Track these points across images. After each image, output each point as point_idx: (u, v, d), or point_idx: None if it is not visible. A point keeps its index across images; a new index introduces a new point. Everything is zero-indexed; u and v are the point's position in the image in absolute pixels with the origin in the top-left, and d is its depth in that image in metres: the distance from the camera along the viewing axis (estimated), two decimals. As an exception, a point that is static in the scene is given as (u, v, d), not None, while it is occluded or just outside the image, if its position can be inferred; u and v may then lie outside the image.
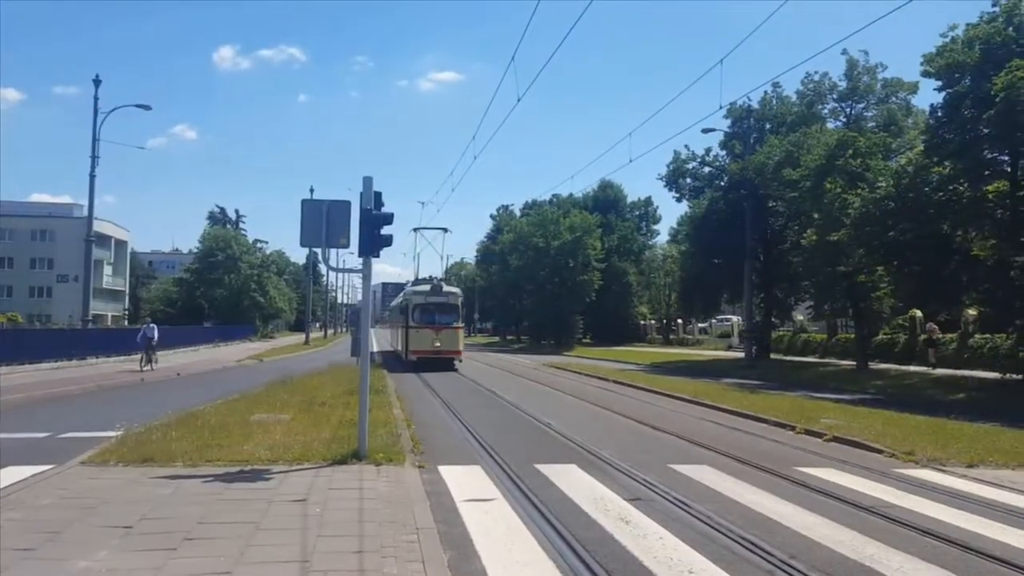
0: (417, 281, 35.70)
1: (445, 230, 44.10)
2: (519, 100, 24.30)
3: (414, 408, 16.11)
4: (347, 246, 9.95)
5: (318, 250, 10.34)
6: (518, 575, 5.56)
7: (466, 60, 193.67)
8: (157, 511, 6.70)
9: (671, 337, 63.84)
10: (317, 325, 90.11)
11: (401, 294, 38.56)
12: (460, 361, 30.60)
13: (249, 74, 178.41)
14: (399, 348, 35.52)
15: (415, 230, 39.36)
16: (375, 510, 6.92)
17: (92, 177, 31.50)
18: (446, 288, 31.52)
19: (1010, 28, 23.16)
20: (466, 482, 8.68)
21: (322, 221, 9.70)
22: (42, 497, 7.20)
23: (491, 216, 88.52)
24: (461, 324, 30.87)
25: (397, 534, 6.16)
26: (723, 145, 43.40)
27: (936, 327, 31.26)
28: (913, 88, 36.85)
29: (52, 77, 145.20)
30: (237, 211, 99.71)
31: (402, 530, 6.28)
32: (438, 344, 29.38)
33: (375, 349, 38.69)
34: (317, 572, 5.20)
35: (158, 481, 7.89)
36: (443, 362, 29.26)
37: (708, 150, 44.73)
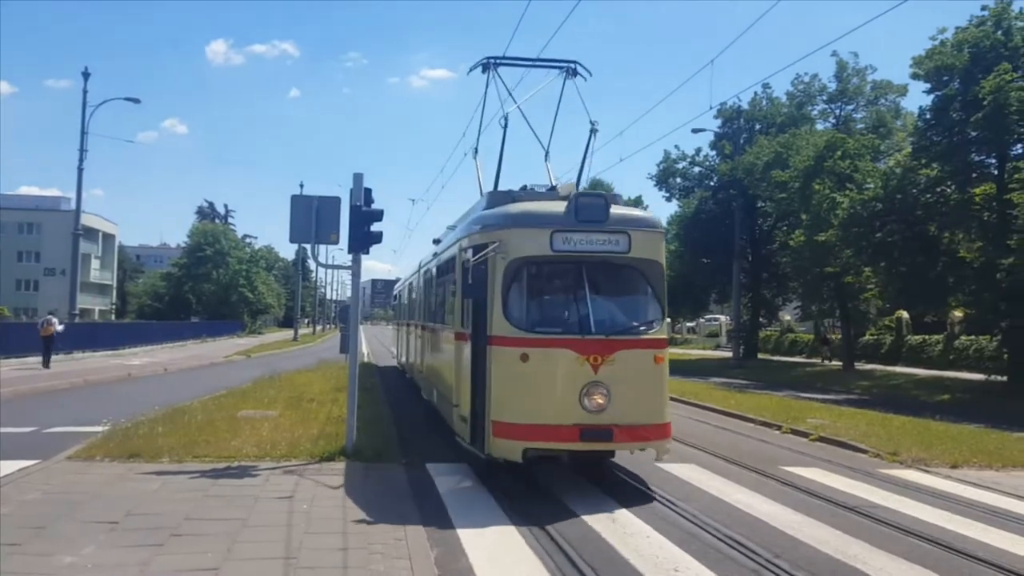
0: (497, 195, 9.65)
1: (574, 69, 11.08)
2: (510, 94, 16.14)
3: (402, 406, 16.06)
4: (337, 242, 9.96)
5: (308, 246, 10.31)
6: (505, 572, 5.59)
7: (457, 58, 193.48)
8: (143, 507, 6.68)
9: (660, 336, 63.98)
10: (306, 321, 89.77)
11: (454, 232, 11.26)
12: (665, 452, 8.41)
13: (241, 69, 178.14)
14: (436, 389, 12.61)
15: (487, 64, 11.53)
16: (362, 507, 6.92)
17: (80, 170, 31.19)
18: (617, 209, 8.51)
19: (999, 32, 23.36)
20: (453, 479, 8.69)
21: (312, 217, 9.67)
22: (28, 492, 7.15)
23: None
24: (664, 332, 8.71)
25: (384, 531, 6.17)
26: (713, 145, 43.58)
27: (830, 328, 31.75)
28: (902, 90, 37.17)
29: (44, 70, 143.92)
30: (226, 206, 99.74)
31: (389, 527, 6.29)
32: (599, 401, 7.67)
33: (365, 350, 37.47)
34: (304, 568, 5.20)
35: (144, 477, 7.86)
36: (600, 457, 8.87)
37: (698, 150, 44.99)
